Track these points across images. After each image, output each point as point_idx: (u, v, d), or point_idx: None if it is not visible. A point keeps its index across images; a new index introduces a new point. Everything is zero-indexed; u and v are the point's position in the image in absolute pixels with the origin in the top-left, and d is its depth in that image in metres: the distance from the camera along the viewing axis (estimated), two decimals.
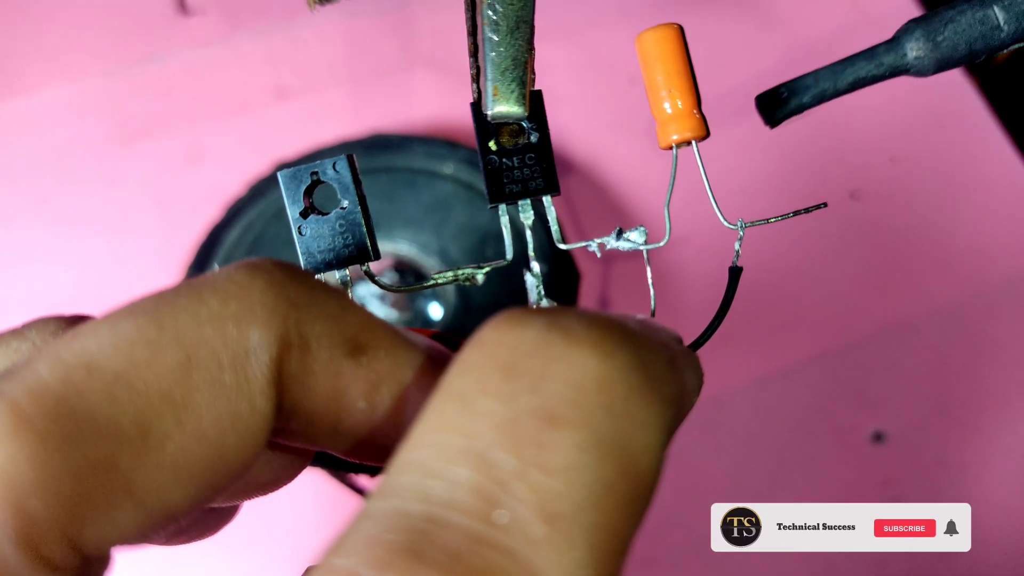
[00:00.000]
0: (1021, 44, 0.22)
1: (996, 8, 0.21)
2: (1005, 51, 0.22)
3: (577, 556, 0.11)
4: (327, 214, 0.19)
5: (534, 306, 0.20)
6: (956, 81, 0.54)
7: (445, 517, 0.11)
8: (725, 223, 0.21)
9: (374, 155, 0.48)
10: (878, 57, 0.22)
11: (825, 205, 0.21)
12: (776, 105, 0.22)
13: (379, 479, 0.42)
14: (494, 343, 0.13)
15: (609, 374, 0.12)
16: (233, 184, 0.48)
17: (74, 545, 0.12)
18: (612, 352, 0.12)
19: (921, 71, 0.22)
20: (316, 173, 0.19)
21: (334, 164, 0.19)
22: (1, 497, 0.11)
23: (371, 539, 0.11)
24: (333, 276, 0.19)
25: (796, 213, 0.21)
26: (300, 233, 0.19)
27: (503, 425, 0.11)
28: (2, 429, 0.11)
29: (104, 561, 0.13)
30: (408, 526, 0.11)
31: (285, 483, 0.17)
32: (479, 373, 0.12)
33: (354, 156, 0.19)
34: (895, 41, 0.22)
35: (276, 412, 0.14)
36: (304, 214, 0.19)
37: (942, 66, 0.22)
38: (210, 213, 0.47)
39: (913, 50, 0.22)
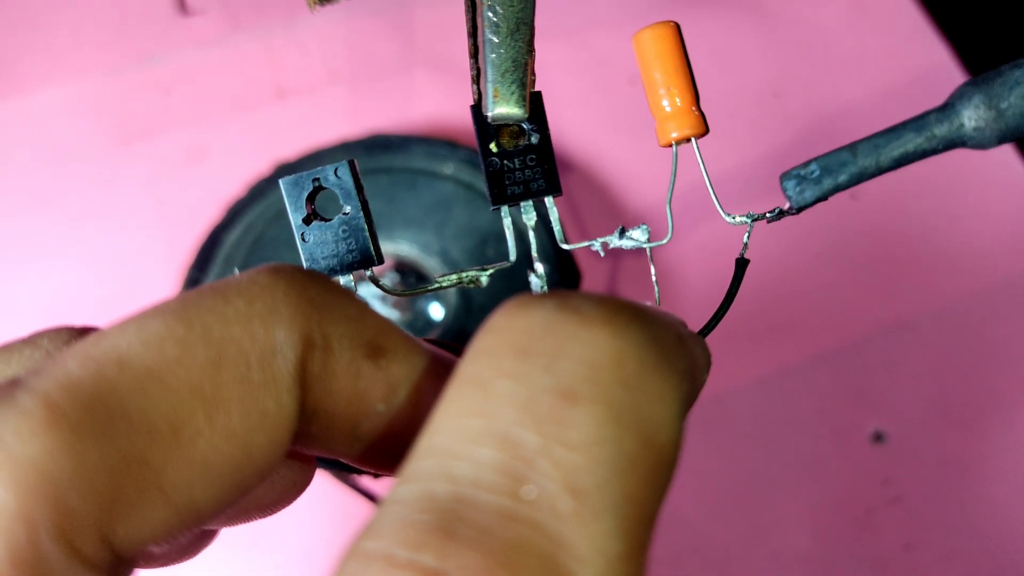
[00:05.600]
0: None
1: None
2: None
3: (605, 527, 0.11)
4: (330, 220, 0.19)
5: None
6: (955, 80, 0.54)
7: (473, 496, 0.11)
8: (726, 218, 0.21)
9: (374, 155, 0.48)
10: (929, 128, 0.19)
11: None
12: (805, 185, 0.19)
13: (381, 480, 0.42)
14: (505, 328, 0.13)
15: (622, 350, 0.12)
16: (233, 184, 0.48)
17: (107, 541, 0.12)
18: (624, 328, 0.12)
19: (981, 143, 0.18)
20: (318, 179, 0.19)
21: (336, 170, 0.19)
22: (39, 490, 0.11)
23: (402, 521, 0.11)
24: (338, 280, 0.19)
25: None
26: (304, 240, 0.19)
27: (522, 404, 0.12)
28: (36, 422, 0.11)
29: (131, 563, 0.13)
30: (437, 507, 0.11)
31: (286, 504, 0.17)
32: (493, 357, 0.12)
33: (355, 162, 0.19)
34: (948, 108, 0.19)
35: (299, 413, 0.14)
36: (307, 221, 0.19)
37: (1006, 137, 0.18)
38: (210, 213, 0.47)
39: (972, 120, 0.18)
